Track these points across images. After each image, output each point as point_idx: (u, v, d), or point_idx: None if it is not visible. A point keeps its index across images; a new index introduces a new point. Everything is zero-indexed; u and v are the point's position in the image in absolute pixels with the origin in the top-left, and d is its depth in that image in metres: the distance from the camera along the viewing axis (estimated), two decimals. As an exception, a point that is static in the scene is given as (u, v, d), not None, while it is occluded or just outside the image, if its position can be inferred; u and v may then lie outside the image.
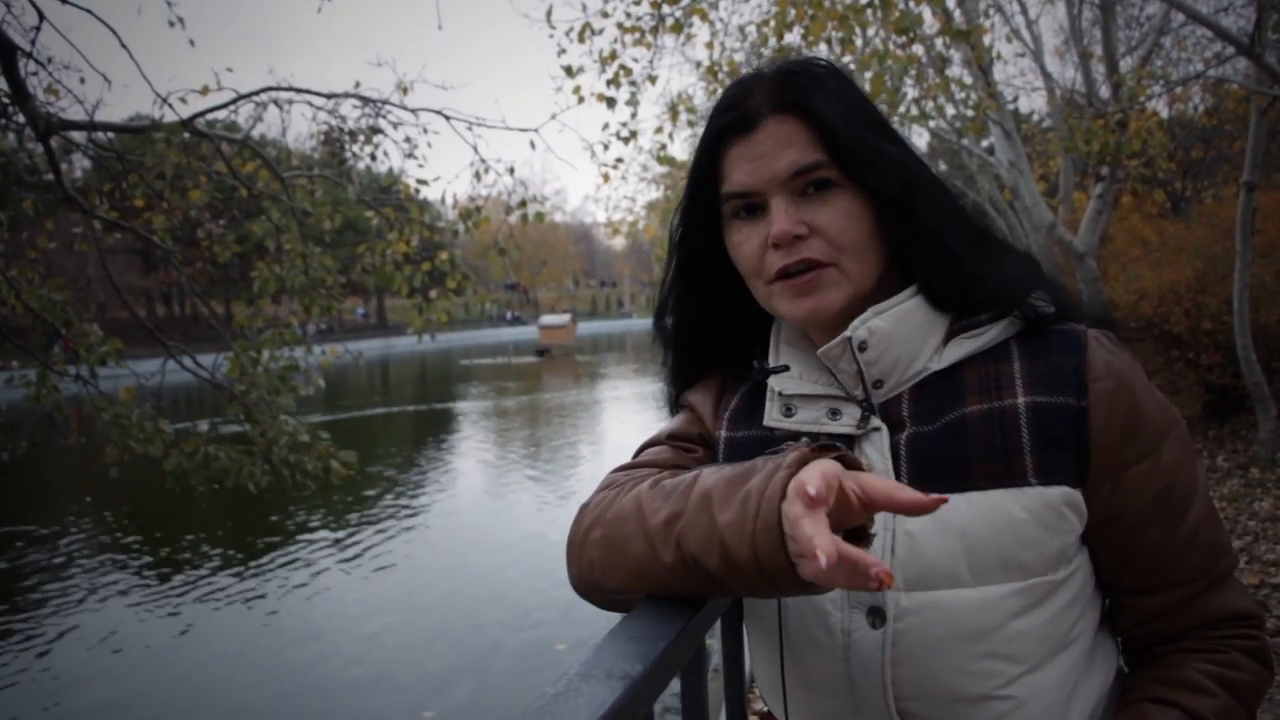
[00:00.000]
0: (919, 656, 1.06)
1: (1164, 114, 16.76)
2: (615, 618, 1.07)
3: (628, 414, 24.50)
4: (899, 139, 1.15)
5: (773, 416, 1.21)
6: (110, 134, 6.82)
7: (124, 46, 5.74)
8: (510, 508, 14.16)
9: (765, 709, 1.31)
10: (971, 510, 1.04)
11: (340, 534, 12.57)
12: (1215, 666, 1.09)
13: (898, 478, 1.09)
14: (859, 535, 0.94)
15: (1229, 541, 1.15)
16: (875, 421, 1.13)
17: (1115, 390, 1.07)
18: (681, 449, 1.30)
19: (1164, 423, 1.10)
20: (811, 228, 1.09)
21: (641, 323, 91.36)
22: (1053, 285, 1.17)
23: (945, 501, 0.81)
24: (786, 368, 1.21)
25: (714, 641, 1.40)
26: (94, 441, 7.04)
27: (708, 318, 1.30)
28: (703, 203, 1.19)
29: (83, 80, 6.50)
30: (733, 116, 1.13)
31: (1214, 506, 1.14)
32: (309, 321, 7.43)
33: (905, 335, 1.12)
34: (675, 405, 1.40)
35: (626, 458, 1.34)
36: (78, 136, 6.65)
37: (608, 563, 1.07)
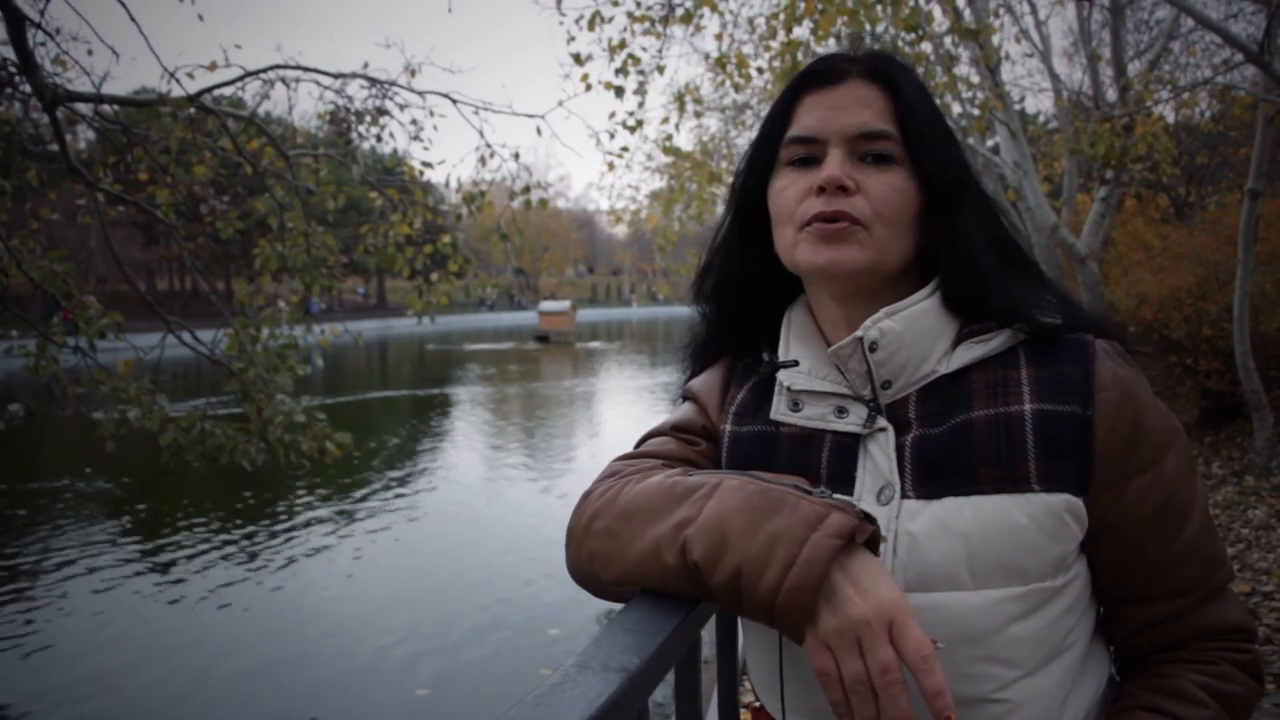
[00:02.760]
0: None
1: (1170, 119, 16.74)
2: (609, 605, 1.08)
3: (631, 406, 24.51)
4: (959, 144, 1.18)
5: (780, 410, 1.21)
6: (116, 107, 6.81)
7: (133, 20, 5.72)
8: (505, 492, 14.20)
9: (756, 702, 1.32)
10: (975, 514, 1.05)
11: (335, 514, 12.61)
12: (1207, 678, 1.10)
13: (901, 479, 1.10)
14: (869, 547, 0.95)
15: (1225, 554, 1.15)
16: (881, 422, 1.14)
17: (1121, 401, 1.08)
18: (685, 440, 1.30)
19: (1166, 435, 1.11)
20: (859, 186, 1.11)
21: (642, 312, 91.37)
22: (1069, 304, 1.18)
23: None
24: (796, 362, 1.21)
25: (706, 633, 1.41)
26: (90, 413, 7.07)
27: (753, 272, 1.29)
28: (769, 149, 1.20)
29: (90, 52, 6.52)
30: (820, 67, 1.17)
31: (1212, 519, 1.15)
32: (311, 298, 7.44)
33: (916, 338, 1.13)
34: (697, 361, 1.41)
35: (626, 446, 1.34)
36: (83, 108, 6.64)
37: (609, 555, 1.08)
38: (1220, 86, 11.94)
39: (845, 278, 1.13)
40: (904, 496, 1.09)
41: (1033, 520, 1.05)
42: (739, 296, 1.32)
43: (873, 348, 1.12)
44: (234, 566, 10.24)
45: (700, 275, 1.37)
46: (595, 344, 51.53)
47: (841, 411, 1.16)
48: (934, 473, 1.09)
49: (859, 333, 1.12)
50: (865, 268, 1.11)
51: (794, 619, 0.90)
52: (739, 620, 1.36)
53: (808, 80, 1.17)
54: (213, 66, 6.50)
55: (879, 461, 1.12)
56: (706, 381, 1.35)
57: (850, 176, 1.10)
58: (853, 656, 0.88)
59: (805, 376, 1.20)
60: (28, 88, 5.91)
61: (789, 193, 1.15)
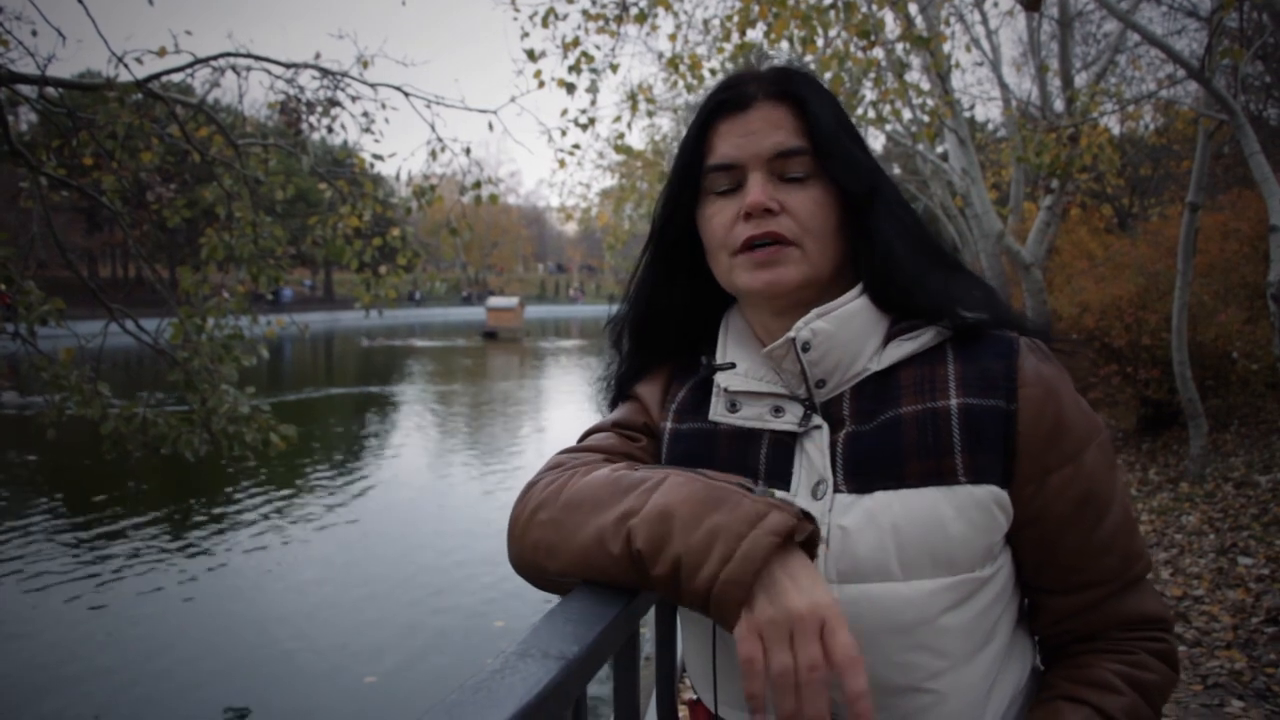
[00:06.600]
0: None
1: (1115, 131, 17.03)
2: (552, 598, 1.10)
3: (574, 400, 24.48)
4: (868, 150, 1.21)
5: (718, 412, 1.24)
6: (61, 90, 6.70)
7: (80, 1, 5.64)
8: (452, 486, 14.15)
9: (694, 697, 1.33)
10: (903, 507, 1.08)
11: (282, 508, 12.49)
12: (1125, 666, 1.14)
13: (834, 474, 1.13)
14: (808, 545, 0.97)
15: (1144, 547, 1.19)
16: (816, 420, 1.16)
17: (1043, 396, 1.11)
18: (626, 437, 1.32)
19: (1087, 430, 1.14)
20: (783, 206, 1.14)
21: (590, 309, 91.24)
22: (994, 300, 1.21)
23: None
24: (733, 365, 1.24)
25: (647, 629, 1.43)
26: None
27: (679, 303, 1.32)
28: (689, 183, 1.23)
29: (35, 33, 6.34)
30: (728, 95, 1.20)
31: (1131, 513, 1.18)
32: (283, 288, 7.39)
33: (847, 337, 1.15)
34: (619, 396, 1.42)
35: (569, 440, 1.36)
36: (27, 90, 6.53)
37: (554, 545, 1.09)
38: (1164, 101, 12.16)
39: (784, 296, 1.16)
40: (837, 491, 1.12)
41: (960, 512, 1.08)
42: (671, 325, 1.34)
43: (805, 348, 1.14)
44: (173, 561, 10.11)
45: (621, 318, 1.39)
46: (560, 343, 51.45)
47: (778, 411, 1.19)
48: (865, 468, 1.12)
49: (791, 334, 1.14)
50: (802, 283, 1.15)
51: (728, 609, 0.92)
52: (678, 617, 1.38)
53: (718, 109, 1.20)
54: (162, 52, 6.41)
55: (814, 458, 1.14)
56: (649, 381, 1.37)
57: (774, 198, 1.14)
58: (783, 649, 0.90)
59: (742, 378, 1.22)
60: (-31, 68, 5.81)
61: (717, 220, 1.19)
